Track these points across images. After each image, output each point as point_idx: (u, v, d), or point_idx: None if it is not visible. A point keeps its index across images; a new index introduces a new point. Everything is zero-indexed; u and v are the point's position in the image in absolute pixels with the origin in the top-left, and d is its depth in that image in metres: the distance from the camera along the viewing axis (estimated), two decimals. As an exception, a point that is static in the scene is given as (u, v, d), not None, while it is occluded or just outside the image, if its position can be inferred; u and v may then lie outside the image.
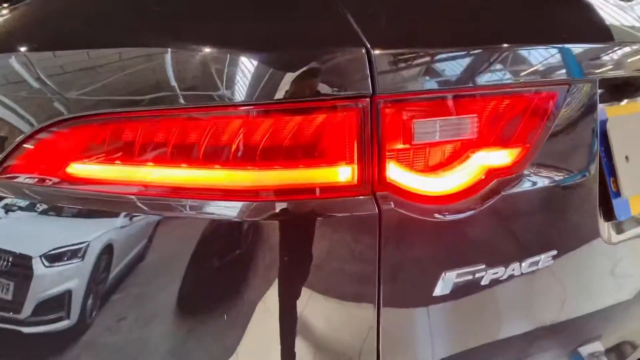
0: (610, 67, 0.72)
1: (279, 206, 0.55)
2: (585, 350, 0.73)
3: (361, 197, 0.56)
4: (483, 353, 0.66)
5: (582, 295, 0.72)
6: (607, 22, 0.77)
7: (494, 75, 0.61)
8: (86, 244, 0.61)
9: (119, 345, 0.63)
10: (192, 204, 0.58)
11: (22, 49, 0.74)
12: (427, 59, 0.58)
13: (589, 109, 0.69)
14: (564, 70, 0.66)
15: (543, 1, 0.74)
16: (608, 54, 0.72)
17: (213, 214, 0.57)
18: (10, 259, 0.66)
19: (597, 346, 0.74)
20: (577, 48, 0.67)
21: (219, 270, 0.59)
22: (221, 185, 0.56)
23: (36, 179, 0.66)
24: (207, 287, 0.59)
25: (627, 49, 0.75)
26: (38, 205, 0.67)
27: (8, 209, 0.69)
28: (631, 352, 0.78)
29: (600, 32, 0.74)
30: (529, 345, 0.69)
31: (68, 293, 0.61)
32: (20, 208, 0.68)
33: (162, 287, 0.60)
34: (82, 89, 0.66)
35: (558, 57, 0.65)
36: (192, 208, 0.58)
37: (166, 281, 0.59)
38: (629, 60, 0.75)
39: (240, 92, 0.55)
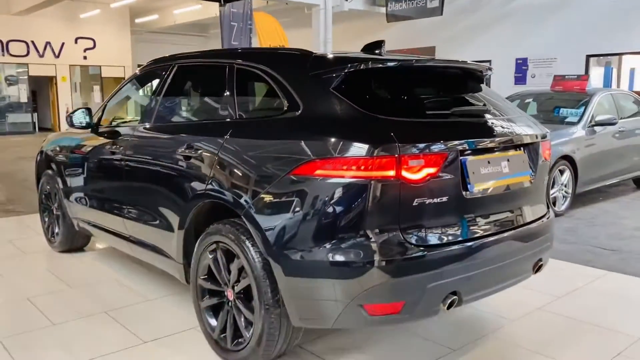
0: (470, 145, 2.47)
1: (377, 182, 2.25)
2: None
3: (396, 178, 2.27)
4: (422, 226, 2.38)
5: (451, 216, 2.46)
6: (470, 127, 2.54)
7: (430, 149, 2.35)
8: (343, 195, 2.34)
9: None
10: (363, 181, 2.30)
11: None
12: (415, 147, 2.30)
13: (457, 157, 2.43)
14: (449, 145, 2.40)
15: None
16: (469, 142, 2.47)
17: (370, 180, 2.27)
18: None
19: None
20: (456, 142, 2.42)
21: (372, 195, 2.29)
22: (369, 176, 2.27)
23: (310, 175, 2.37)
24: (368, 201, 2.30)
25: (480, 141, 2.51)
26: (301, 185, 2.39)
27: (293, 188, 2.41)
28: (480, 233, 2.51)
29: (468, 132, 2.49)
30: (446, 229, 2.42)
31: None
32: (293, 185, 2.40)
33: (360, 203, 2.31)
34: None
35: (448, 144, 2.39)
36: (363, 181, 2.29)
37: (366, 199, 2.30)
38: (481, 144, 2.50)
39: (360, 152, 2.28)
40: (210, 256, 2.87)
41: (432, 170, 2.34)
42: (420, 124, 2.48)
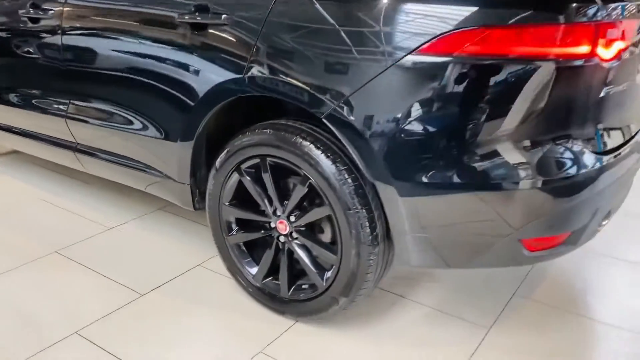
0: None
1: (560, 63, 1.48)
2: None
3: (589, 58, 1.51)
4: (604, 129, 1.69)
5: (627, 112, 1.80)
6: None
7: (628, 12, 1.60)
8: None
9: None
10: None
11: None
12: (615, 9, 1.53)
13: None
14: None
15: None
16: None
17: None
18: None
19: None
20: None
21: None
22: (547, 53, 1.48)
23: (452, 54, 1.53)
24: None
25: None
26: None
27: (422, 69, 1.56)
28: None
29: None
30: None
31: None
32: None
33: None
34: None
35: None
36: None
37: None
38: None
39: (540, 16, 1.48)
40: (248, 176, 1.98)
41: (622, 44, 1.62)
42: None
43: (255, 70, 1.82)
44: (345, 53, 1.65)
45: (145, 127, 2.23)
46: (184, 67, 2.01)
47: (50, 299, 2.18)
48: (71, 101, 2.50)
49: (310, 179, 1.81)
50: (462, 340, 1.99)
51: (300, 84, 1.73)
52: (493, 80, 1.53)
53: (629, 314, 2.15)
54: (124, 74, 2.22)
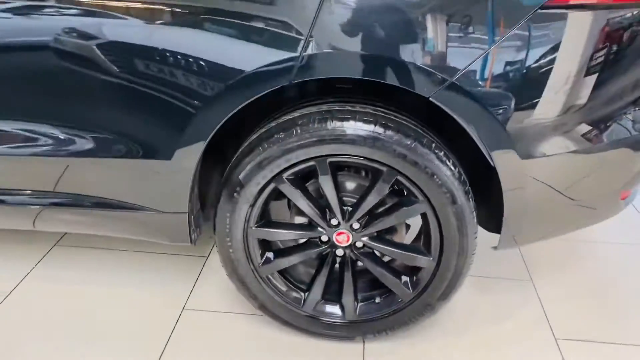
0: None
1: None
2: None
3: None
4: None
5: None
6: None
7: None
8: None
9: None
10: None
11: None
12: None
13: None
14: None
15: None
16: None
17: None
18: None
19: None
20: None
21: None
22: None
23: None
24: None
25: None
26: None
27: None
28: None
29: None
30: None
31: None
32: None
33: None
34: None
35: None
36: None
37: None
38: None
39: None
40: (293, 186, 1.50)
41: None
42: None
43: (319, 46, 1.31)
44: (460, 14, 1.29)
45: (106, 146, 1.49)
46: (198, 47, 1.35)
47: None
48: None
49: (398, 174, 1.44)
50: (524, 301, 1.91)
51: (400, 59, 1.30)
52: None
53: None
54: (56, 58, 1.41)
